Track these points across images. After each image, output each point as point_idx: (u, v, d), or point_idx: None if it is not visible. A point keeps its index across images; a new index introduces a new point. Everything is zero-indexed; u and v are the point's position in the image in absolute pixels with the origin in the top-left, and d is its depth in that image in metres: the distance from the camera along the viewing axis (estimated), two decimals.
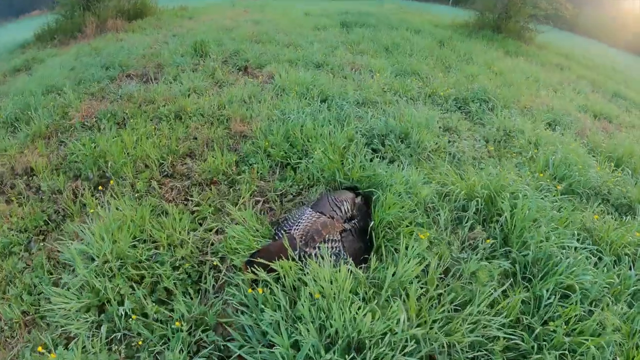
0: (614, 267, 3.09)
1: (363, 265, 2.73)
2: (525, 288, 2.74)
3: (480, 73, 7.63)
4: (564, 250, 2.96)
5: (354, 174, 3.32)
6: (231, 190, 3.49)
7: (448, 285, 2.57)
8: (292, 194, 3.43)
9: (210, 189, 3.49)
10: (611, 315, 2.62)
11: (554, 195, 3.71)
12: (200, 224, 3.16)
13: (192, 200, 3.39)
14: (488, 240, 2.93)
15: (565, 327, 2.52)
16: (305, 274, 2.41)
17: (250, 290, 2.35)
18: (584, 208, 3.78)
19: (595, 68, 11.82)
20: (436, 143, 4.32)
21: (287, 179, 3.55)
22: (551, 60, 11.06)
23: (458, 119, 5.27)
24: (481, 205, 3.28)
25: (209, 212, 3.21)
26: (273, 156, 3.81)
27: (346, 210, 2.85)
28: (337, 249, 2.64)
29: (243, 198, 3.31)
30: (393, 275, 2.40)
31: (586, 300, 2.70)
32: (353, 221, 2.83)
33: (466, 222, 3.15)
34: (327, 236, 2.64)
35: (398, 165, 3.81)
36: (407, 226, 2.83)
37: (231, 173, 3.66)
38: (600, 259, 3.17)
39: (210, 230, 3.07)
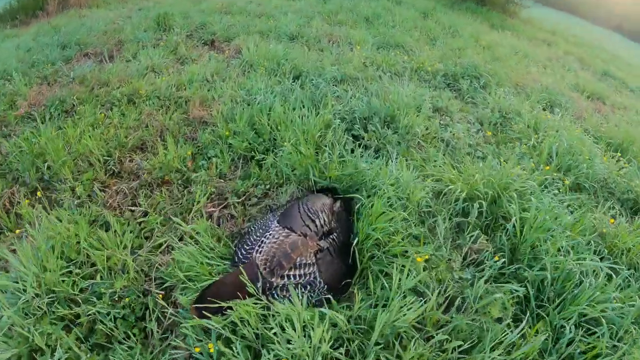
0: (635, 282, 2.66)
1: (343, 294, 2.17)
2: (542, 319, 2.25)
3: (467, 47, 7.07)
4: (582, 266, 2.48)
5: (332, 172, 2.70)
6: (185, 192, 2.86)
7: (451, 321, 2.04)
8: (256, 196, 2.80)
9: (161, 192, 2.84)
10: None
11: (562, 191, 3.24)
12: (147, 239, 2.51)
13: (139, 207, 2.72)
14: (497, 258, 2.41)
15: None
16: (271, 315, 1.84)
17: (197, 349, 1.75)
18: (592, 206, 3.33)
19: (582, 45, 11.49)
20: (427, 128, 3.74)
21: (251, 177, 2.92)
22: (537, 35, 10.63)
23: (448, 98, 4.72)
24: (484, 207, 2.75)
25: (157, 223, 2.57)
26: (235, 148, 3.14)
27: (322, 224, 2.27)
28: (312, 275, 2.07)
29: (198, 203, 2.67)
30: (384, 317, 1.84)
31: (609, 332, 2.24)
32: (331, 236, 2.26)
33: (468, 231, 2.62)
34: (298, 260, 2.07)
35: (384, 157, 3.23)
36: (399, 242, 2.26)
37: (186, 170, 3.00)
38: (616, 271, 2.74)
39: (158, 248, 2.43)
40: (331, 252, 2.17)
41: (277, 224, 2.24)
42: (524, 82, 5.92)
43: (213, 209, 2.69)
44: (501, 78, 5.49)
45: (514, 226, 2.65)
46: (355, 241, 2.28)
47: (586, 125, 4.87)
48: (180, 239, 2.45)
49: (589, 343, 2.20)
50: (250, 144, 3.15)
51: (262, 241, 2.13)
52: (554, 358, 2.13)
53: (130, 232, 2.47)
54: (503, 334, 2.03)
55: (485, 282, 2.29)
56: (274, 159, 2.95)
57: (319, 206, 2.35)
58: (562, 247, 2.58)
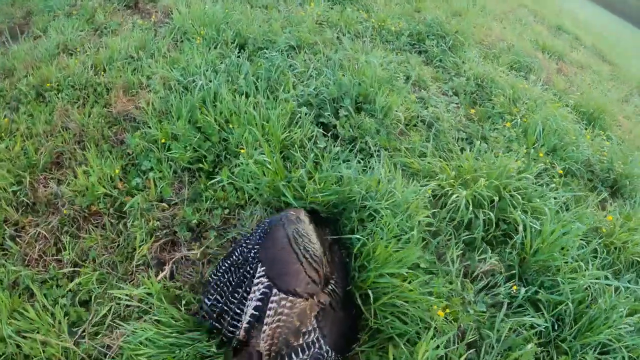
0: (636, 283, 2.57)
1: (350, 352, 1.81)
2: (565, 354, 2.05)
3: None
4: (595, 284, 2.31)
5: (311, 193, 2.21)
6: (120, 226, 2.24)
7: None
8: (214, 227, 2.24)
9: (89, 230, 2.19)
10: None
11: (555, 182, 3.05)
12: (85, 305, 1.94)
13: (64, 261, 2.06)
14: (515, 287, 2.15)
15: None
16: None
17: None
18: (584, 194, 3.21)
19: None
20: (407, 109, 3.32)
21: (203, 199, 2.33)
22: None
23: (418, 64, 4.29)
24: (488, 216, 2.45)
25: (93, 283, 1.99)
26: (177, 158, 2.49)
27: (324, 271, 1.81)
28: (316, 345, 1.69)
29: (140, 247, 2.08)
30: None
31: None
32: (331, 283, 1.83)
33: (476, 250, 2.31)
34: (303, 330, 1.63)
35: (364, 152, 2.79)
36: (408, 282, 1.89)
37: (117, 194, 2.32)
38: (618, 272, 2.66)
39: (103, 323, 1.86)
40: (333, 306, 1.77)
41: (269, 281, 1.74)
42: (489, 40, 5.67)
43: (161, 256, 2.11)
44: (466, 37, 5.14)
45: (523, 239, 2.40)
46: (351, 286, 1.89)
47: (557, 90, 4.76)
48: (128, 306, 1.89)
49: None
50: (195, 150, 2.51)
51: (255, 315, 1.67)
52: None
53: (63, 298, 1.86)
54: None
55: (506, 319, 2.03)
56: (230, 174, 2.37)
57: (317, 241, 1.88)
58: (573, 260, 2.38)
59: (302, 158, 2.49)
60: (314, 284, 1.73)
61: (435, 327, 1.79)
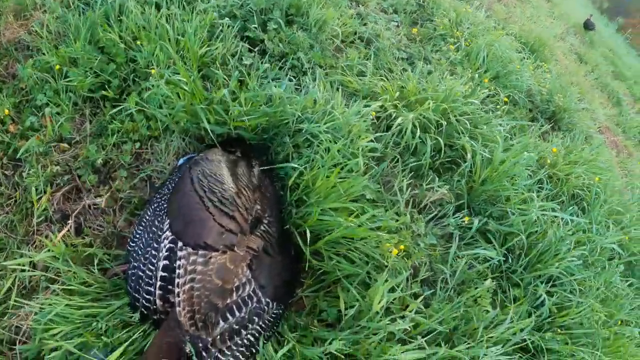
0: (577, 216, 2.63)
1: (292, 298, 1.58)
2: (517, 285, 2.00)
3: None
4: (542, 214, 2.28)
5: (237, 117, 1.84)
6: (15, 177, 1.76)
7: (432, 315, 1.61)
8: (124, 165, 1.81)
9: None
10: (597, 306, 2.16)
11: (500, 109, 2.97)
12: None
13: None
14: (467, 218, 2.02)
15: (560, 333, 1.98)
16: None
17: None
18: (526, 122, 3.19)
19: None
20: (344, 24, 2.97)
21: (109, 134, 1.86)
22: None
23: None
24: (435, 141, 2.28)
25: None
26: (76, 87, 1.94)
27: (247, 210, 1.50)
28: (254, 299, 1.41)
29: (39, 200, 1.63)
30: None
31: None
32: (263, 223, 1.54)
33: (424, 177, 2.13)
34: (232, 288, 1.36)
35: (296, 70, 2.43)
36: (355, 217, 1.65)
37: (9, 139, 1.80)
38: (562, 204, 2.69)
39: (3, 318, 1.48)
40: (268, 250, 1.49)
41: (172, 235, 1.42)
42: None
43: (65, 208, 1.68)
44: None
45: (471, 166, 2.28)
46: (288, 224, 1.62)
47: (498, 19, 4.69)
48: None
49: (557, 303, 2.06)
50: (98, 75, 1.97)
51: (165, 276, 1.37)
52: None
53: None
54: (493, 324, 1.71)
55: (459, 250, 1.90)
56: (139, 99, 1.90)
57: (231, 181, 1.54)
58: (522, 191, 2.32)
59: (224, 77, 2.07)
60: (230, 233, 1.43)
61: (387, 267, 1.58)
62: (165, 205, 1.52)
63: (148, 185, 1.85)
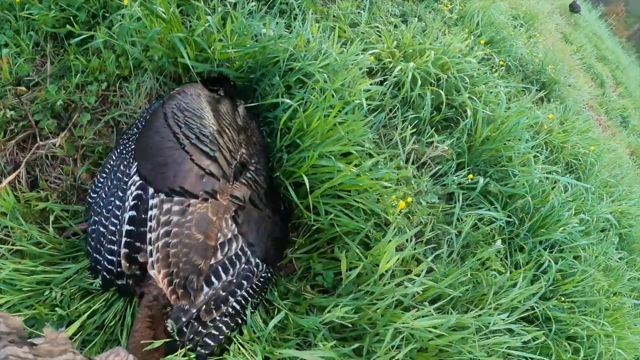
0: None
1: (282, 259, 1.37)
2: (520, 249, 1.88)
3: None
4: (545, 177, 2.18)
5: (220, 49, 1.59)
6: None
7: (440, 279, 1.45)
8: (87, 108, 1.57)
9: None
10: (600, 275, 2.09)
11: (494, 71, 2.84)
12: None
13: None
14: (471, 177, 1.87)
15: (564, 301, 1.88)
16: None
17: None
18: (524, 86, 3.09)
19: None
20: None
21: (72, 74, 1.58)
22: None
23: None
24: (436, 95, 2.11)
25: None
26: (38, 22, 1.63)
27: (231, 153, 1.28)
28: (243, 259, 1.18)
29: None
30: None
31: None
32: (250, 170, 1.31)
33: (425, 132, 1.97)
34: (217, 245, 1.12)
35: (285, 15, 2.20)
36: (354, 166, 1.45)
37: None
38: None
39: None
40: (256, 202, 1.25)
41: (143, 182, 1.16)
42: None
43: (18, 158, 1.41)
44: None
45: (472, 124, 2.13)
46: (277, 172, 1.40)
47: None
48: None
49: (560, 270, 1.95)
50: (63, 9, 1.67)
51: (131, 231, 1.11)
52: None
53: None
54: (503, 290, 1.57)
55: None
56: (109, 32, 1.62)
57: (212, 117, 1.30)
58: (524, 152, 2.20)
59: (207, 10, 1.81)
60: (210, 177, 1.18)
61: (392, 224, 1.39)
62: (132, 147, 1.27)
63: (115, 131, 1.59)
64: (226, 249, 1.11)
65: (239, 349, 1.09)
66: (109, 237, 1.14)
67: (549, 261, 1.89)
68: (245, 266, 1.15)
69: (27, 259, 1.20)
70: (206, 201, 1.13)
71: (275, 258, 1.33)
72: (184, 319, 1.02)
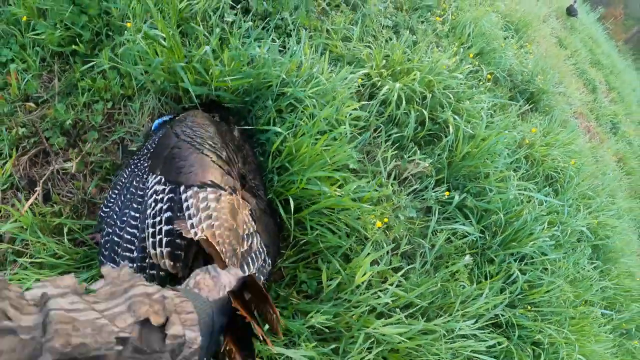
0: (552, 198, 2.74)
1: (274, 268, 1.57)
2: (490, 261, 2.09)
3: None
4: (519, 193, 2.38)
5: (218, 77, 1.77)
6: None
7: (411, 289, 1.65)
8: (94, 126, 1.74)
9: None
10: (566, 286, 2.30)
11: (482, 84, 3.02)
12: None
13: None
14: (448, 193, 2.07)
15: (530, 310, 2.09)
16: None
17: None
18: (508, 101, 3.27)
19: None
20: None
21: (79, 92, 1.76)
22: None
23: None
24: (418, 113, 2.30)
25: None
26: (45, 41, 1.80)
27: (235, 165, 1.47)
28: (261, 256, 1.35)
29: (4, 168, 1.55)
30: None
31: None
32: (252, 182, 1.53)
33: (406, 149, 2.16)
34: (244, 235, 1.29)
35: (280, 31, 2.37)
36: (338, 187, 1.65)
37: None
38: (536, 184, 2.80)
39: None
40: (265, 209, 1.48)
41: (173, 185, 1.29)
42: None
43: (32, 173, 1.59)
44: None
45: (453, 140, 2.32)
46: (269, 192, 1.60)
47: None
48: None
49: (528, 281, 2.16)
50: (68, 28, 1.83)
51: (171, 230, 1.21)
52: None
53: None
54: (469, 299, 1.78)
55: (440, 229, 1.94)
56: (113, 55, 1.79)
57: (215, 138, 1.48)
58: (501, 169, 2.39)
59: (205, 34, 1.98)
60: (229, 176, 1.34)
61: (369, 240, 1.59)
62: (145, 165, 1.41)
63: (120, 148, 1.77)
64: (251, 241, 1.27)
65: None
66: (125, 245, 1.29)
67: (517, 272, 2.09)
68: (263, 264, 1.32)
69: (46, 269, 1.38)
70: (231, 195, 1.29)
71: (276, 262, 1.52)
72: None
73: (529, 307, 2.13)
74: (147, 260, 1.22)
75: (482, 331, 1.79)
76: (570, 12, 7.05)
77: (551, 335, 2.07)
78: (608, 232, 3.18)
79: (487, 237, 2.16)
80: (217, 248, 1.13)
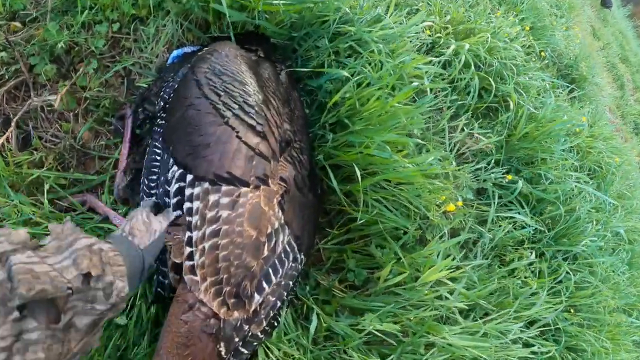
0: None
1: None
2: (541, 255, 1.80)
3: None
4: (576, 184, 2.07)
5: None
6: None
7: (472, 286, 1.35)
8: (94, 53, 1.33)
9: None
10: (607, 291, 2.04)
11: (534, 61, 2.67)
12: None
13: None
14: (510, 177, 1.73)
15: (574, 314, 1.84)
16: None
17: None
18: (564, 83, 2.94)
19: None
20: None
21: (78, 10, 1.31)
22: None
23: None
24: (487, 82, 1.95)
25: None
26: None
27: (279, 128, 1.09)
28: (291, 255, 0.99)
29: None
30: None
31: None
32: (294, 149, 1.13)
33: (465, 119, 1.82)
34: (264, 240, 0.93)
35: None
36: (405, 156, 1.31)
37: None
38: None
39: None
40: (299, 184, 1.07)
41: (181, 169, 0.94)
42: None
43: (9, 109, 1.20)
44: None
45: (513, 117, 1.99)
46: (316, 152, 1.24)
47: None
48: None
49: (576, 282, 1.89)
50: None
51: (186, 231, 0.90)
52: None
53: None
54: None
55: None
56: None
57: (255, 83, 1.10)
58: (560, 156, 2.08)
59: None
60: (260, 158, 0.97)
61: (439, 225, 1.27)
62: (159, 130, 1.05)
63: (125, 83, 1.37)
64: (273, 242, 0.93)
65: None
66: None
67: (569, 273, 1.82)
68: (292, 264, 0.98)
69: None
70: (258, 189, 0.94)
71: (312, 246, 1.19)
72: (237, 339, 0.85)
73: (572, 311, 1.87)
74: None
75: (528, 335, 1.52)
76: (605, 3, 6.61)
77: (591, 343, 1.83)
78: (636, 236, 2.93)
79: (542, 231, 1.86)
80: (213, 280, 0.85)
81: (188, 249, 0.86)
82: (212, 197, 0.89)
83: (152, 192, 0.99)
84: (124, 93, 1.34)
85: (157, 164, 1.01)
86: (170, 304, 0.87)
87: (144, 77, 1.38)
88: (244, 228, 0.88)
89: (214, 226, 0.87)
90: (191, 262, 0.86)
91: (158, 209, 0.92)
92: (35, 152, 1.19)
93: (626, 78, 5.69)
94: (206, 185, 0.90)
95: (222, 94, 1.02)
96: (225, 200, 0.89)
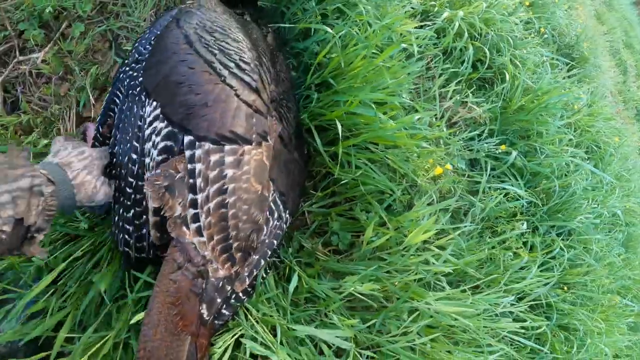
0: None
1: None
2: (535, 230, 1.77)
3: None
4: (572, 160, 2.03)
5: None
6: None
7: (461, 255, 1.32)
8: (81, 17, 1.36)
9: None
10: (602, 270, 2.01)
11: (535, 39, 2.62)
12: None
13: None
14: (504, 147, 1.69)
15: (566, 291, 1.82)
16: None
17: None
18: (564, 59, 2.89)
19: None
20: None
21: None
22: None
23: None
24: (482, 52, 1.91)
25: None
26: None
27: (268, 84, 1.03)
28: (276, 217, 0.95)
29: None
30: None
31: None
32: (283, 105, 1.09)
33: (460, 88, 1.77)
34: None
35: None
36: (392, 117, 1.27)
37: None
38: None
39: None
40: (286, 142, 1.02)
41: (174, 128, 0.88)
42: None
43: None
44: None
45: (507, 88, 1.94)
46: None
47: None
48: None
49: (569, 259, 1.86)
50: None
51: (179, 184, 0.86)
52: None
53: None
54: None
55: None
56: None
57: (246, 39, 1.05)
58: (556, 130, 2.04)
59: None
60: (259, 115, 0.94)
61: (427, 191, 1.24)
62: (141, 79, 0.96)
63: (112, 47, 1.34)
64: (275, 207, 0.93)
65: (254, 323, 0.94)
66: (128, 208, 0.92)
67: (562, 248, 1.79)
68: (277, 222, 0.95)
69: None
70: (260, 145, 0.92)
71: (297, 208, 1.15)
72: (219, 300, 0.84)
73: (565, 288, 1.84)
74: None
75: (518, 309, 1.49)
76: None
77: (584, 322, 1.80)
78: (633, 219, 2.89)
79: (535, 204, 1.83)
80: (220, 238, 0.84)
81: (192, 211, 0.83)
82: (214, 157, 0.86)
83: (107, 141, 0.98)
84: (111, 57, 1.33)
85: (116, 113, 0.98)
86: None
87: (131, 41, 1.35)
88: (250, 184, 0.87)
89: (218, 185, 0.85)
90: (195, 224, 0.83)
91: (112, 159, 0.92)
92: (22, 115, 1.21)
93: (629, 64, 5.63)
94: (208, 146, 0.86)
95: (217, 52, 0.97)
96: (229, 159, 0.87)
